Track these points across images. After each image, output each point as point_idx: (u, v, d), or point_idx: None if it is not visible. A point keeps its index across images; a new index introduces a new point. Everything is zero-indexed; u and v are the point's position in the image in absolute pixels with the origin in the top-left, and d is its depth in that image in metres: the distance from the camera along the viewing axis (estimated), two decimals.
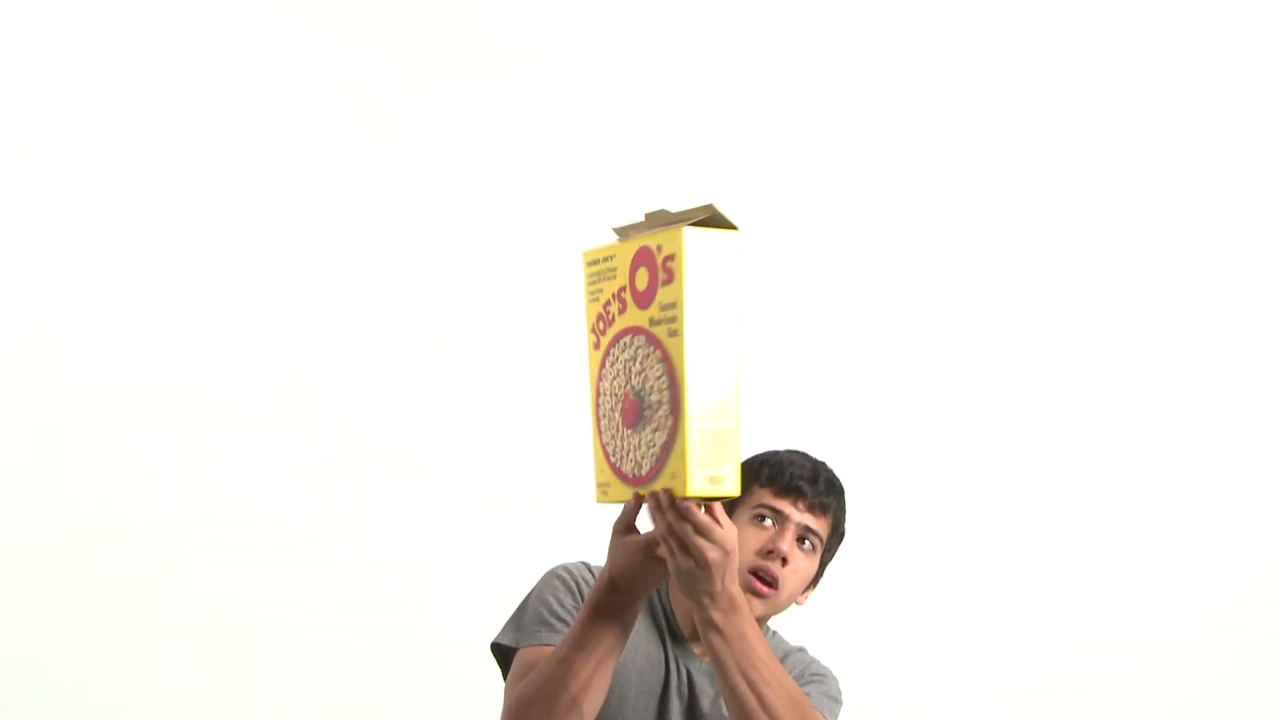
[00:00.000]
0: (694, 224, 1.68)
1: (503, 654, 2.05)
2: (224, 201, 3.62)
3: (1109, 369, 3.72)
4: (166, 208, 3.61)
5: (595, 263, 1.82)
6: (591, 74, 3.69)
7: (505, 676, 2.02)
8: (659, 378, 1.70)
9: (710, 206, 1.68)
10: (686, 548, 1.71)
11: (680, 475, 1.67)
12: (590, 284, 1.83)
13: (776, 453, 2.10)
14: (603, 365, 1.80)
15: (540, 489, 3.53)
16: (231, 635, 3.54)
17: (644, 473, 1.73)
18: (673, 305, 1.68)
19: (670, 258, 1.68)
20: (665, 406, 1.69)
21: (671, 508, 1.69)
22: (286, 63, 3.66)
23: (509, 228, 3.65)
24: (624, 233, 1.80)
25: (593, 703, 1.85)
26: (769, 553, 2.01)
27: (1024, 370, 3.72)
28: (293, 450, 3.58)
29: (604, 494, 1.82)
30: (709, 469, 1.67)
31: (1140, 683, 3.68)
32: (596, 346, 1.82)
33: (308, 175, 3.64)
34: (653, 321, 1.70)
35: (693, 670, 2.06)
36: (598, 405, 1.81)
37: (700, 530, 1.70)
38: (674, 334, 1.68)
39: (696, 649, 2.07)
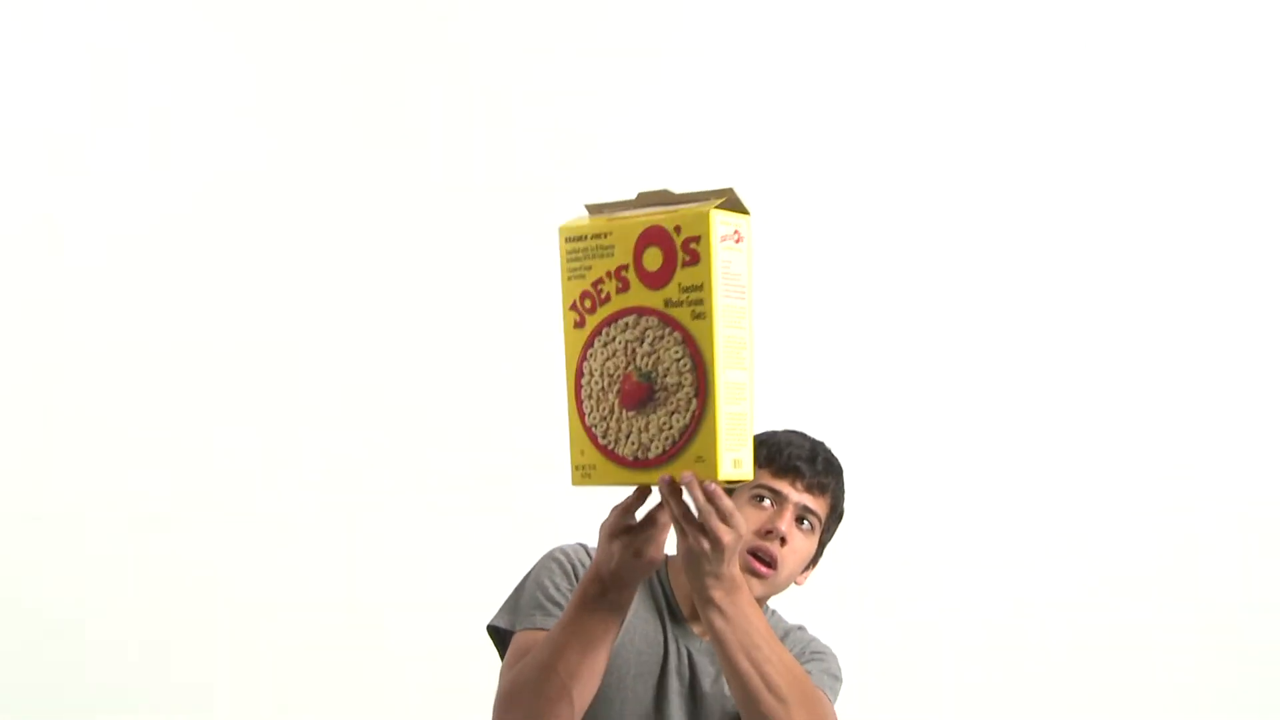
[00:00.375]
0: (718, 207, 1.67)
1: (499, 636, 2.05)
2: (224, 198, 3.64)
3: (1113, 362, 3.73)
4: (172, 206, 3.62)
5: (580, 239, 1.77)
6: (590, 71, 3.71)
7: (501, 657, 2.03)
8: (678, 360, 1.69)
9: (730, 190, 1.68)
10: (705, 530, 1.71)
11: (710, 460, 1.67)
12: (572, 260, 1.78)
13: (775, 433, 2.09)
14: (589, 344, 1.76)
15: (532, 473, 3.51)
16: (227, 625, 3.56)
17: (651, 456, 1.71)
18: (699, 288, 1.67)
19: (695, 239, 1.67)
20: (687, 390, 1.68)
21: (700, 491, 1.69)
22: (291, 61, 3.69)
23: (507, 219, 3.66)
24: (599, 209, 1.78)
25: (583, 689, 1.85)
26: (767, 533, 2.01)
27: (1028, 358, 3.73)
28: (289, 445, 3.59)
29: (585, 477, 1.78)
30: (733, 453, 1.68)
31: (1137, 663, 3.69)
32: (579, 325, 1.77)
33: (308, 174, 3.65)
34: (669, 303, 1.69)
35: (693, 650, 2.06)
36: (579, 386, 1.78)
37: (724, 514, 1.71)
38: (700, 316, 1.67)
39: (696, 629, 2.07)
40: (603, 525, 1.80)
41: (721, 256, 1.67)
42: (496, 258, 3.64)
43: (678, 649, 2.06)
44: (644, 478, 1.74)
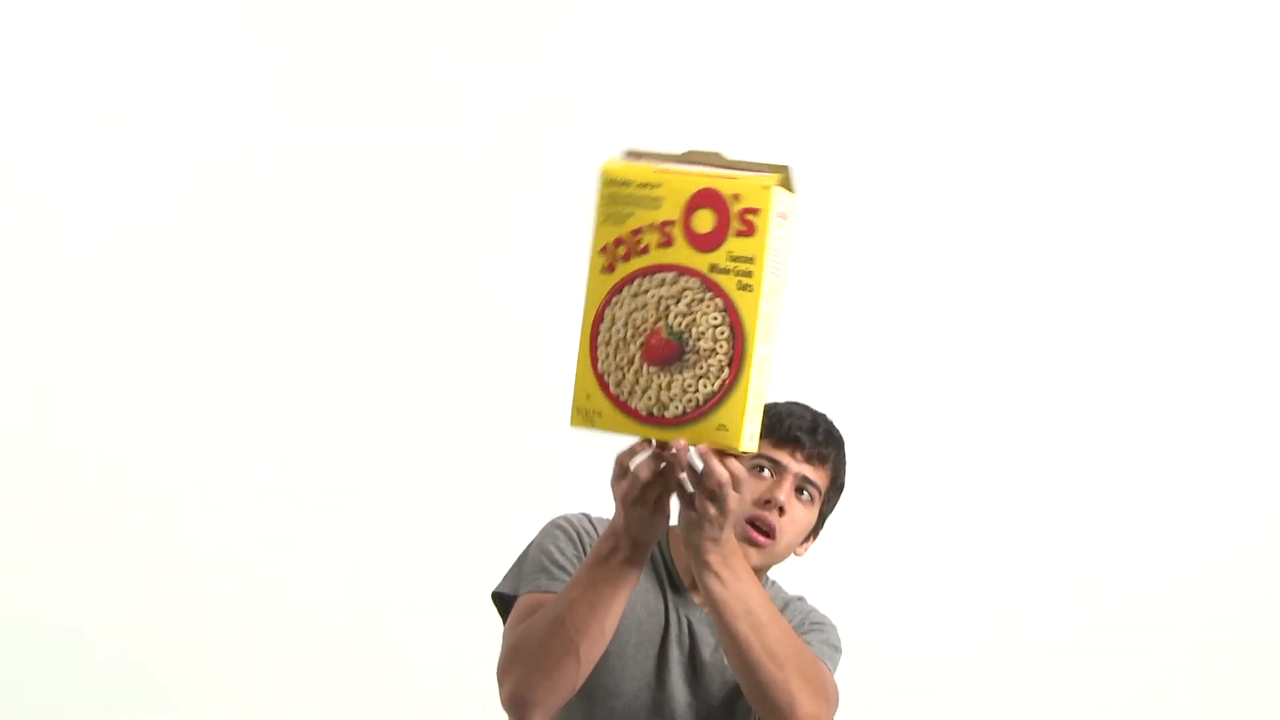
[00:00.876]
0: (779, 183, 1.69)
1: (504, 603, 2.05)
2: (216, 179, 3.61)
3: (1118, 360, 3.74)
4: (177, 204, 3.59)
5: (625, 184, 1.74)
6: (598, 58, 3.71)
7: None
8: (716, 326, 1.69)
9: (787, 167, 1.69)
10: (715, 496, 1.72)
11: (734, 430, 1.69)
12: (610, 204, 1.75)
13: (775, 404, 2.08)
14: (616, 290, 1.74)
15: (533, 472, 3.56)
16: (227, 625, 3.56)
17: (668, 414, 1.71)
18: (749, 260, 1.68)
19: (753, 211, 1.67)
20: (721, 357, 1.69)
21: (717, 462, 1.70)
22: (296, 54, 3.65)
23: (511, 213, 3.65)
24: (639, 156, 1.77)
25: (590, 648, 1.85)
26: (766, 502, 2.03)
27: (1033, 353, 3.74)
28: (288, 444, 3.59)
29: (587, 420, 1.76)
30: (751, 425, 1.70)
31: (1135, 662, 3.72)
32: (608, 270, 1.75)
33: (312, 170, 3.63)
34: (715, 269, 1.69)
35: (693, 620, 2.07)
36: (595, 330, 1.75)
37: (738, 484, 1.72)
38: (746, 288, 1.68)
39: (697, 598, 2.08)
40: (611, 480, 1.79)
41: (774, 233, 1.68)
42: (495, 256, 3.64)
43: (678, 618, 2.07)
44: (654, 433, 1.73)
